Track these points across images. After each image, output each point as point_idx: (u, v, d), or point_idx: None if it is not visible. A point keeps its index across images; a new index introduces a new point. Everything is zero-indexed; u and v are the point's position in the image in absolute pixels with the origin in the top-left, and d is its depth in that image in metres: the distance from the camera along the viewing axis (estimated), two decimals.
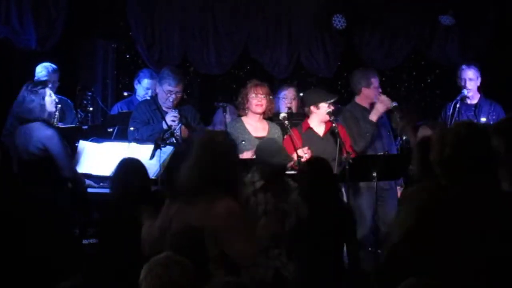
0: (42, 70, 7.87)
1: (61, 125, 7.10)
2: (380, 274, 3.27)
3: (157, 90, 7.23)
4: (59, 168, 6.11)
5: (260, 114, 6.94)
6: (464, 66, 7.82)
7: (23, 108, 6.20)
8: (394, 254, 3.22)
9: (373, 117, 7.19)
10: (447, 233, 3.08)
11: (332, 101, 6.91)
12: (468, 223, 3.09)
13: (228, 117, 7.20)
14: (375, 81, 7.38)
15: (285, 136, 6.94)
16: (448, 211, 3.13)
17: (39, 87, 6.26)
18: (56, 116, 6.82)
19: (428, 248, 3.09)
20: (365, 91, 7.38)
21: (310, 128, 6.99)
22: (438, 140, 3.26)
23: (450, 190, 3.21)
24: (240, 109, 7.04)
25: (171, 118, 6.82)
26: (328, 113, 6.86)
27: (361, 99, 7.40)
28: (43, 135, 6.10)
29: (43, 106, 6.19)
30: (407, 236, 3.17)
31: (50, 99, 6.27)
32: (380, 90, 7.41)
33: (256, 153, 5.89)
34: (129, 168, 5.28)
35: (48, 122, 6.22)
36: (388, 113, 7.43)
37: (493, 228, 3.08)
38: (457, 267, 3.05)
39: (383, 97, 7.26)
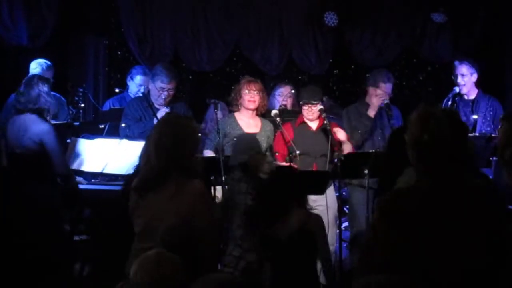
0: (36, 66, 7.88)
1: (53, 122, 7.09)
2: (357, 272, 3.27)
3: (150, 87, 7.22)
4: (53, 164, 6.09)
5: (252, 110, 6.95)
6: (456, 62, 7.81)
7: (26, 97, 6.19)
8: (364, 251, 3.23)
9: (371, 112, 7.23)
10: (413, 228, 3.08)
11: (308, 103, 6.88)
12: (435, 217, 3.09)
13: (219, 114, 7.19)
14: (382, 86, 7.32)
15: (277, 132, 6.95)
16: (413, 205, 3.13)
17: (44, 82, 6.32)
18: (49, 114, 6.85)
19: (395, 245, 3.09)
20: (370, 90, 7.36)
21: (304, 123, 7.01)
22: (418, 123, 3.21)
23: (417, 184, 3.21)
24: (233, 105, 7.05)
25: (163, 115, 6.80)
26: (320, 110, 6.87)
27: (367, 97, 7.40)
28: (40, 128, 6.08)
29: (46, 100, 6.22)
30: (374, 232, 3.16)
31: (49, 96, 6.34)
32: (386, 96, 7.33)
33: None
34: None
35: (44, 117, 6.22)
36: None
37: (461, 222, 3.08)
38: (425, 262, 3.05)
39: (379, 91, 7.27)
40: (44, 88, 6.22)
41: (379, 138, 7.35)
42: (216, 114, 6.85)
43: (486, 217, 3.11)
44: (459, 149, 3.15)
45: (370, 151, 6.74)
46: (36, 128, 6.09)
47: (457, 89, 7.67)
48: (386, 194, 3.26)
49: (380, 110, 7.36)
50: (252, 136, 6.45)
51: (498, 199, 3.20)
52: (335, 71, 9.93)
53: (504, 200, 3.24)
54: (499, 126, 3.64)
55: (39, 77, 6.36)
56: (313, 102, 6.86)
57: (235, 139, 6.68)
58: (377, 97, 7.27)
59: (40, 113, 6.17)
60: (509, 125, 3.51)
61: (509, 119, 3.54)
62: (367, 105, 7.33)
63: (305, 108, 6.91)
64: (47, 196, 6.04)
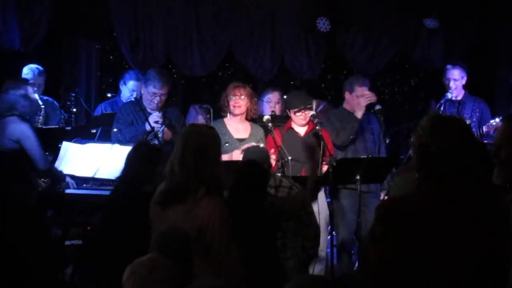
0: (28, 72, 7.90)
1: (45, 127, 7.12)
2: (359, 280, 3.28)
3: (142, 92, 7.22)
4: (34, 161, 6.23)
5: (238, 115, 6.94)
6: (449, 66, 7.88)
7: (3, 104, 6.29)
8: (364, 261, 3.23)
9: (358, 113, 7.20)
10: (411, 233, 3.08)
11: (304, 109, 6.89)
12: (434, 223, 3.09)
13: (200, 118, 7.18)
14: (358, 90, 7.30)
15: (267, 137, 6.93)
16: (412, 211, 3.12)
17: (20, 84, 6.45)
18: (40, 120, 6.94)
19: (395, 253, 3.09)
20: (347, 96, 7.36)
21: (291, 128, 7.02)
22: (427, 129, 3.21)
23: (418, 190, 3.21)
24: (222, 111, 7.06)
25: (154, 119, 6.81)
26: (312, 116, 6.88)
27: (346, 104, 7.39)
28: (17, 128, 6.27)
29: (22, 102, 6.31)
30: (374, 240, 3.17)
31: (30, 97, 6.41)
32: (372, 96, 7.32)
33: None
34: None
35: (23, 118, 6.32)
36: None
37: (460, 230, 3.08)
38: (422, 267, 3.06)
39: (367, 92, 7.26)
40: (20, 92, 6.33)
41: (371, 143, 7.36)
42: (209, 119, 6.86)
43: (487, 225, 3.11)
44: (465, 158, 3.15)
45: (363, 156, 6.73)
46: (13, 127, 6.25)
47: (449, 95, 7.71)
48: (386, 199, 3.27)
49: (369, 115, 7.36)
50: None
51: (499, 206, 3.20)
52: (327, 76, 9.95)
53: (506, 207, 3.24)
54: (499, 125, 3.61)
55: (15, 81, 6.44)
56: (308, 107, 6.87)
57: (226, 144, 6.68)
58: (363, 97, 7.25)
59: (21, 115, 6.28)
60: (508, 126, 3.50)
61: (510, 120, 3.53)
62: (347, 111, 7.32)
63: (298, 114, 6.90)
64: (23, 194, 6.09)
